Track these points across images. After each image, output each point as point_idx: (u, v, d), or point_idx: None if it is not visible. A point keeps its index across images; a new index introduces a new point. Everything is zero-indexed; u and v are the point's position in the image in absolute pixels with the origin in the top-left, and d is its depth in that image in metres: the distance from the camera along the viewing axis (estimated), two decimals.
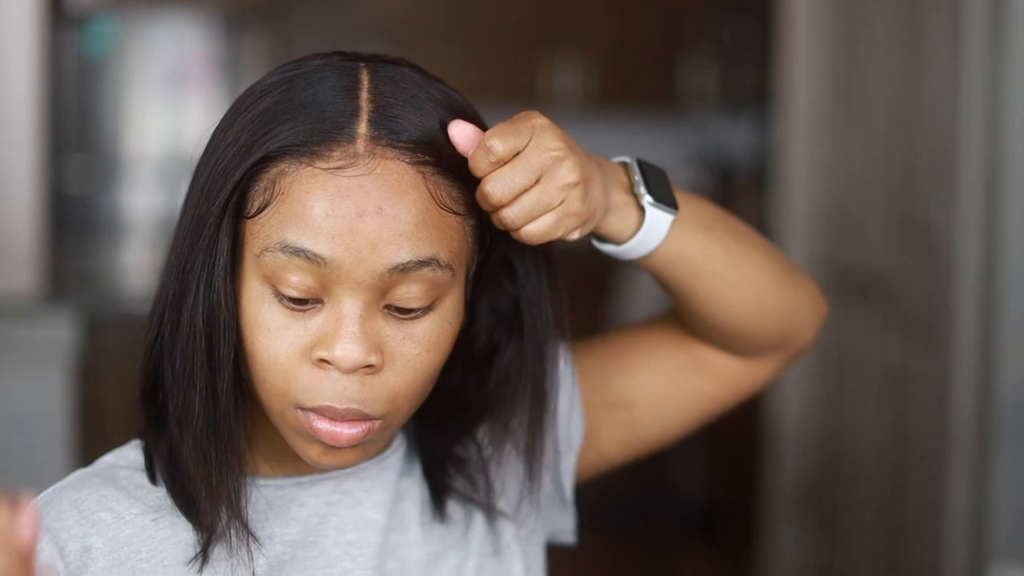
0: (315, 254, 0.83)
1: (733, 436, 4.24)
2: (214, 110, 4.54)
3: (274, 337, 0.86)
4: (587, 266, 4.96)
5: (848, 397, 3.26)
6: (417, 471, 0.99)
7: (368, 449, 0.91)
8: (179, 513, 0.91)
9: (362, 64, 0.89)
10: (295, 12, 4.90)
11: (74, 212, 4.33)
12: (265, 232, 0.85)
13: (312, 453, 0.89)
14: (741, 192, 4.95)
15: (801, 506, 3.49)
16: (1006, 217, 2.53)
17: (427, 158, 0.86)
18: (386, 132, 0.85)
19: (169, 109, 4.56)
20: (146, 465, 0.94)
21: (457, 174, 0.87)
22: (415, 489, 0.98)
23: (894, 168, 3.01)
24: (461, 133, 0.86)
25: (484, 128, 0.90)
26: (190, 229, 0.88)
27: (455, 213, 0.87)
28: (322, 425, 0.86)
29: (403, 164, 0.85)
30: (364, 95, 0.86)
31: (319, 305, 0.86)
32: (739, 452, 4.08)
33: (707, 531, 4.41)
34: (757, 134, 4.76)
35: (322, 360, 0.85)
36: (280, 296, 0.85)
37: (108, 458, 0.97)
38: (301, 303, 0.85)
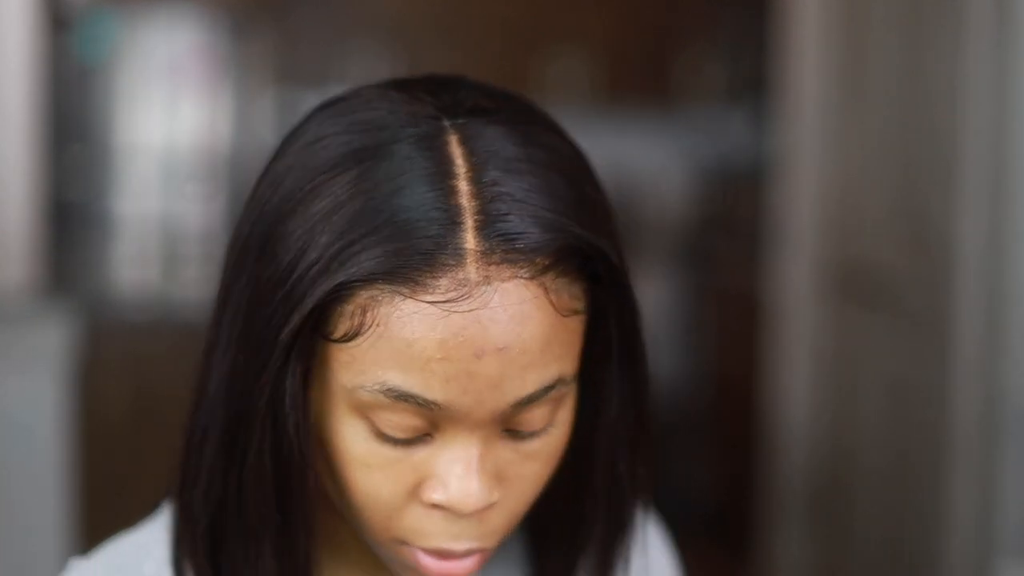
0: (427, 400, 0.70)
1: (734, 436, 4.23)
2: (214, 109, 4.53)
3: (376, 475, 0.73)
4: None
5: (850, 397, 3.25)
6: None
7: (479, 569, 0.79)
8: None
9: (447, 126, 0.72)
10: (295, 11, 4.90)
11: (72, 213, 4.32)
12: (359, 366, 0.70)
13: None
14: (740, 190, 4.94)
15: (803, 506, 3.48)
16: (1010, 216, 2.52)
17: (547, 262, 0.70)
18: (499, 243, 0.69)
19: (168, 109, 4.55)
20: (175, 567, 0.80)
21: (577, 266, 0.73)
22: None
23: (896, 167, 3.01)
24: None
25: (600, 185, 0.76)
26: (245, 345, 0.73)
27: (576, 313, 0.73)
28: (432, 563, 0.75)
29: (523, 282, 0.70)
30: (463, 186, 0.70)
31: (427, 438, 0.73)
32: (740, 452, 4.07)
33: (707, 531, 4.40)
34: (757, 132, 4.76)
35: (436, 504, 0.74)
36: (380, 433, 0.72)
37: (137, 538, 0.84)
38: (407, 441, 0.73)
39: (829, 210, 3.40)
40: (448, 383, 0.70)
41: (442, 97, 0.74)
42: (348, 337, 0.70)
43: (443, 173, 0.70)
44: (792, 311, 3.58)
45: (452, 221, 0.69)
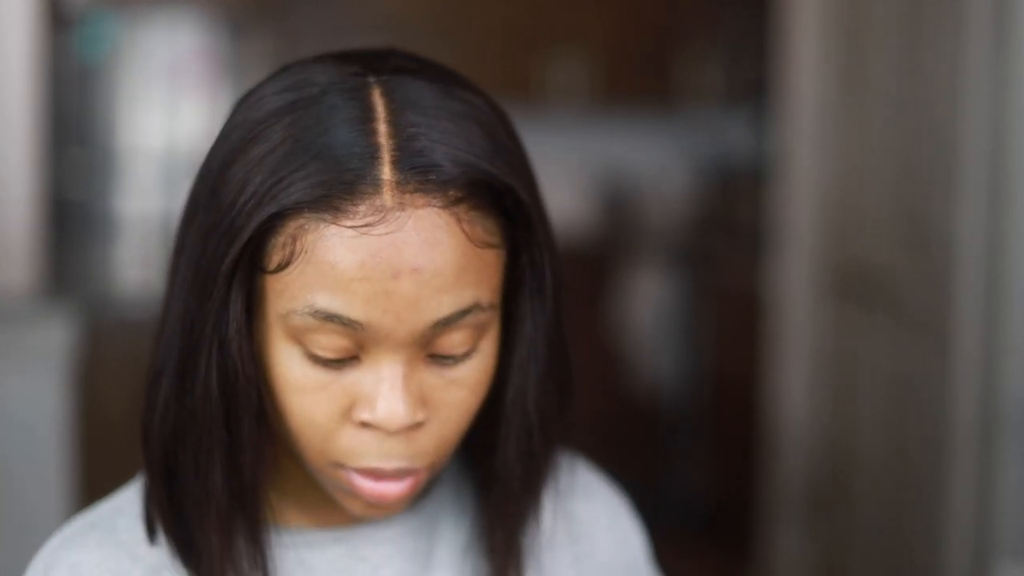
0: (350, 319, 0.77)
1: (734, 436, 4.24)
2: (214, 110, 4.54)
3: (310, 398, 0.79)
4: (587, 266, 4.98)
5: (849, 397, 3.25)
6: (468, 543, 0.92)
7: (413, 496, 0.84)
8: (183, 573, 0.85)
9: (372, 82, 0.80)
10: (295, 11, 4.90)
11: (72, 213, 4.32)
12: (290, 292, 0.78)
13: (356, 508, 0.83)
14: (741, 192, 4.95)
15: (802, 506, 3.49)
16: (1009, 216, 2.52)
17: (459, 195, 0.78)
18: (413, 175, 0.77)
19: (168, 109, 4.55)
20: (146, 524, 0.87)
21: (489, 201, 0.80)
22: (457, 559, 0.91)
23: (895, 167, 3.01)
24: None
25: (516, 136, 0.83)
26: (194, 283, 0.81)
27: (491, 247, 0.80)
28: (366, 484, 0.81)
29: (435, 210, 0.77)
30: (382, 128, 0.78)
31: (355, 361, 0.79)
32: (739, 452, 4.08)
33: (707, 531, 4.41)
34: (756, 132, 4.76)
35: (365, 422, 0.80)
36: (312, 356, 0.79)
37: (113, 502, 0.90)
38: (337, 363, 0.79)
39: (828, 210, 3.41)
40: (368, 303, 0.76)
41: (371, 61, 0.82)
42: (281, 266, 0.78)
43: (365, 117, 0.78)
44: (792, 311, 3.58)
45: (371, 156, 0.77)
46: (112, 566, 0.85)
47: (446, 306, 0.78)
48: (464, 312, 0.78)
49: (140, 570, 0.85)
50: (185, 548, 0.84)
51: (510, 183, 0.80)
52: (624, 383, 4.89)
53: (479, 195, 0.79)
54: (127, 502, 0.89)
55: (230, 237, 0.78)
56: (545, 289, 0.84)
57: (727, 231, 4.83)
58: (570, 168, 5.41)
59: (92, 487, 2.99)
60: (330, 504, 0.87)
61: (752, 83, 4.77)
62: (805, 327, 3.51)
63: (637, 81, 5.28)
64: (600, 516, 1.00)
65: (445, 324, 0.78)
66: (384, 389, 0.79)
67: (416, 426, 0.80)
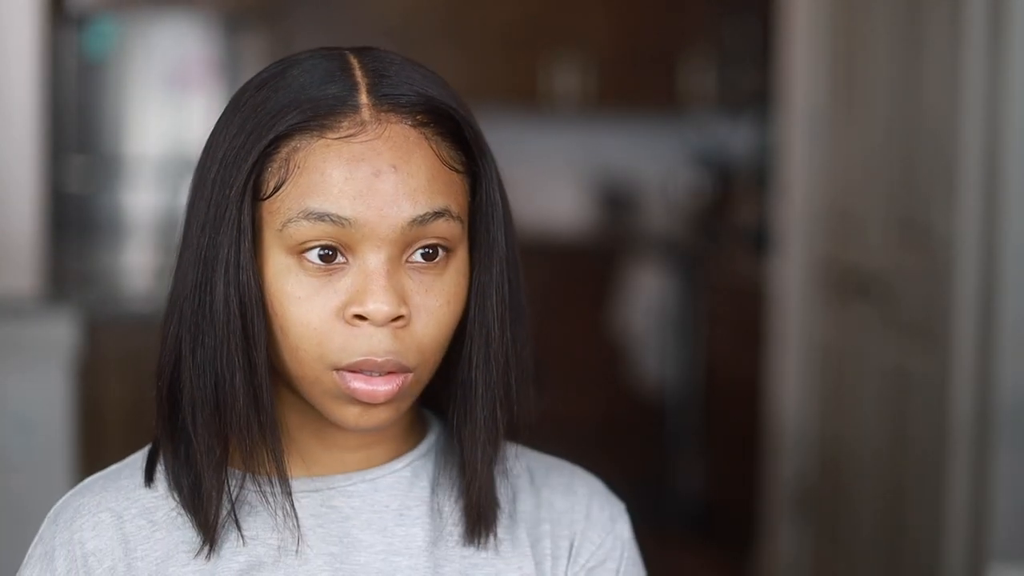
0: (339, 216, 0.89)
1: (733, 436, 4.24)
2: (214, 110, 4.54)
3: (305, 304, 0.90)
4: (587, 266, 4.98)
5: (847, 397, 3.26)
6: (441, 500, 1.00)
7: (400, 407, 0.94)
8: (178, 512, 0.95)
9: (347, 50, 0.96)
10: (295, 12, 4.91)
11: (74, 212, 4.33)
12: (286, 207, 0.90)
13: (349, 416, 0.92)
14: (741, 192, 4.96)
15: (801, 506, 3.49)
16: (1005, 217, 2.53)
17: (426, 119, 0.92)
18: (386, 99, 0.92)
19: (169, 109, 4.56)
20: (146, 465, 0.99)
21: (453, 135, 0.94)
22: (428, 516, 0.99)
23: (894, 168, 3.02)
24: None
25: (467, 109, 0.95)
26: (208, 218, 0.92)
27: (456, 171, 0.93)
28: (359, 384, 0.90)
29: (406, 126, 0.91)
30: (358, 72, 0.93)
31: (344, 266, 0.91)
32: (739, 452, 4.08)
33: (707, 531, 4.41)
34: (757, 134, 4.77)
35: (356, 316, 0.90)
36: (305, 264, 0.90)
37: (121, 463, 1.02)
38: (327, 267, 0.90)
39: (827, 211, 3.41)
40: (354, 200, 0.89)
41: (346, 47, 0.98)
42: (276, 188, 0.91)
43: (344, 66, 0.94)
44: (791, 311, 3.59)
45: (350, 87, 0.92)
46: (110, 504, 0.96)
47: (421, 205, 0.90)
48: (437, 214, 0.91)
49: (136, 509, 0.96)
50: (188, 486, 0.94)
51: (467, 117, 0.94)
52: (624, 383, 4.90)
53: (442, 124, 0.93)
54: (131, 460, 1.01)
55: (235, 169, 0.91)
56: (499, 217, 0.96)
57: (727, 232, 4.84)
58: (573, 170, 5.42)
59: None
60: (311, 454, 0.97)
61: (752, 85, 4.77)
62: (804, 327, 3.52)
63: (639, 84, 5.29)
64: (577, 509, 1.05)
65: (421, 223, 0.91)
66: (370, 283, 0.90)
67: (401, 322, 0.90)
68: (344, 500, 0.98)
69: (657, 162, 5.51)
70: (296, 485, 0.97)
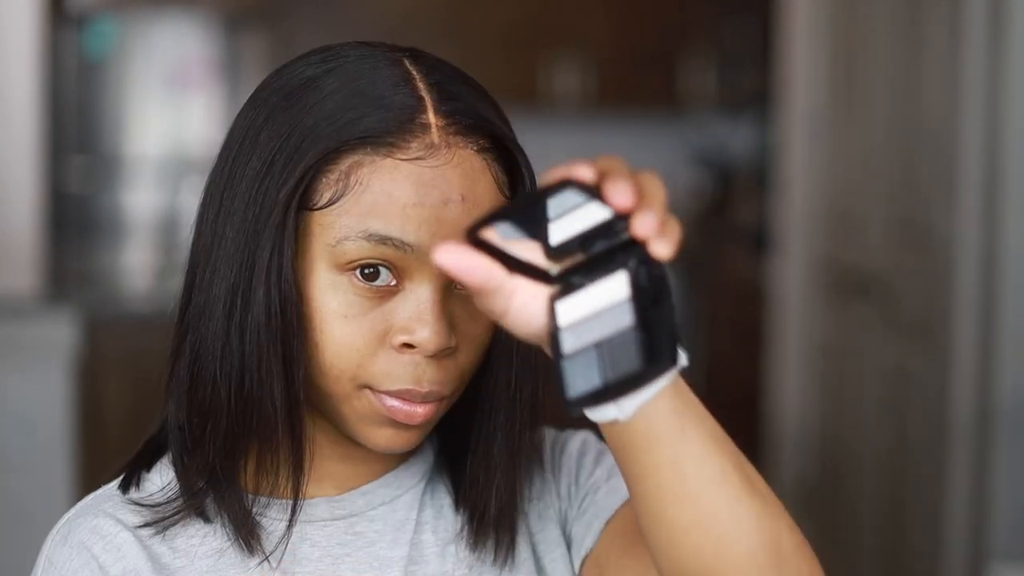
0: (403, 242, 0.85)
1: (733, 436, 4.24)
2: (214, 110, 4.54)
3: (352, 324, 0.86)
4: None
5: (848, 397, 3.26)
6: (443, 502, 0.97)
7: (429, 428, 0.91)
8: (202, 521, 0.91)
9: (401, 54, 0.91)
10: (295, 12, 4.91)
11: (74, 212, 4.33)
12: (342, 223, 0.85)
13: (381, 438, 0.89)
14: (741, 192, 4.96)
15: (801, 506, 3.49)
16: (1005, 217, 2.53)
17: (488, 144, 0.89)
18: (453, 121, 0.87)
19: (169, 109, 4.56)
20: (124, 479, 0.94)
21: (507, 160, 0.90)
22: (435, 520, 0.97)
23: (894, 168, 3.02)
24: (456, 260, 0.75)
25: (509, 123, 0.91)
26: (247, 217, 0.87)
27: (508, 197, 0.90)
28: (396, 404, 0.87)
29: (471, 152, 0.87)
30: (421, 85, 0.88)
31: (395, 289, 0.87)
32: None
33: None
34: (757, 134, 4.77)
35: (404, 345, 0.86)
36: (354, 283, 0.86)
37: (88, 498, 0.97)
38: (377, 288, 0.86)
39: (827, 211, 3.41)
40: (421, 227, 0.85)
41: (387, 45, 0.93)
42: (331, 202, 0.85)
43: (404, 75, 0.88)
44: (791, 310, 3.59)
45: (417, 104, 0.87)
46: (124, 520, 0.92)
47: None
48: None
49: (150, 527, 0.91)
50: (205, 488, 0.90)
51: (519, 144, 0.90)
52: None
53: (499, 148, 0.89)
54: (106, 491, 0.96)
55: (285, 172, 0.86)
56: None
57: (727, 232, 4.84)
58: None
59: (92, 482, 3.00)
60: (327, 471, 0.93)
61: (753, 85, 4.77)
62: (804, 326, 3.52)
63: (639, 84, 5.29)
64: (574, 451, 1.01)
65: None
66: (424, 313, 0.86)
67: (447, 352, 0.87)
68: (367, 525, 0.95)
69: (657, 162, 5.50)
70: (316, 512, 0.93)
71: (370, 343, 0.86)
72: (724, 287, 4.48)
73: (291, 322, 0.86)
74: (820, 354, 3.43)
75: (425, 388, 0.87)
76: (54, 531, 0.94)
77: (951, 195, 2.69)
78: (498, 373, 0.93)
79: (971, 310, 2.62)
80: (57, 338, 2.85)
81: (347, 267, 0.86)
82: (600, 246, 0.74)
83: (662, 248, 0.74)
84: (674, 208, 0.78)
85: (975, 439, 2.61)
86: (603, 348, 0.75)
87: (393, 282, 0.86)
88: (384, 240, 0.85)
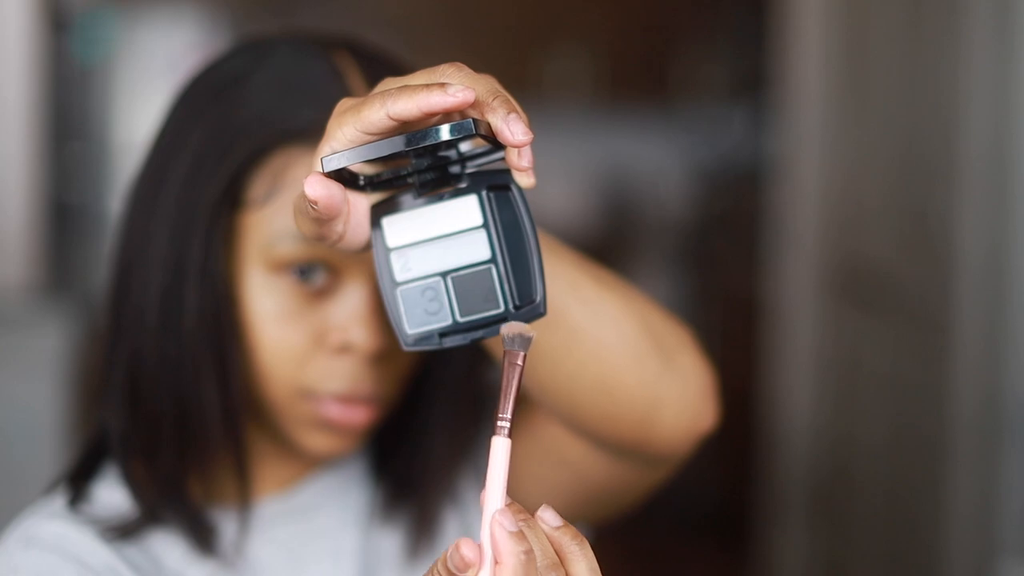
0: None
1: (734, 436, 4.23)
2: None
3: (287, 325, 0.84)
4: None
5: (851, 396, 3.25)
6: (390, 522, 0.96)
7: (363, 435, 0.89)
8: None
9: (335, 48, 0.87)
10: (296, 11, 4.90)
11: (71, 212, 4.32)
12: (275, 222, 0.82)
13: (318, 444, 0.87)
14: (740, 190, 4.95)
15: (803, 506, 3.48)
16: (1011, 215, 2.52)
17: None
18: None
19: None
20: (72, 492, 0.91)
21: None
22: (385, 540, 0.95)
23: (897, 165, 3.01)
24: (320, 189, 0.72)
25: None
26: (176, 219, 0.83)
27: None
28: (335, 408, 0.85)
29: None
30: (355, 81, 0.85)
31: (329, 289, 0.84)
32: (740, 452, 4.07)
33: (707, 531, 4.40)
34: (757, 132, 4.76)
35: (342, 347, 0.84)
36: (287, 283, 0.83)
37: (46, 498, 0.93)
38: (311, 287, 0.83)
39: (829, 209, 3.40)
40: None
41: (310, 36, 0.90)
42: (265, 197, 0.82)
43: (336, 70, 0.84)
44: (792, 310, 3.58)
45: (351, 94, 0.81)
46: (71, 534, 0.88)
47: None
48: None
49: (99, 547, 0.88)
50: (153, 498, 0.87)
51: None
52: None
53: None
54: (46, 505, 0.93)
55: (211, 171, 0.82)
56: None
57: (727, 231, 4.83)
58: (570, 167, 5.41)
59: None
60: (273, 469, 0.91)
61: (753, 82, 4.76)
62: (806, 327, 3.51)
63: (637, 80, 5.28)
64: None
65: None
66: (361, 313, 0.84)
67: (384, 356, 0.85)
68: (323, 519, 0.94)
69: (657, 159, 5.50)
70: (268, 509, 0.91)
71: (307, 345, 0.84)
72: (724, 287, 4.47)
73: (224, 326, 0.83)
74: (822, 353, 3.42)
75: (363, 390, 0.85)
76: (4, 545, 0.89)
77: (956, 194, 2.67)
78: (438, 374, 0.91)
79: (977, 310, 2.61)
80: (52, 339, 2.84)
81: (281, 267, 0.83)
82: (454, 168, 0.69)
83: (527, 180, 0.71)
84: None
85: (981, 440, 2.60)
86: (451, 281, 0.69)
87: (329, 282, 0.84)
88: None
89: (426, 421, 0.92)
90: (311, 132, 0.81)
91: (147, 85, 4.54)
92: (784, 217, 3.66)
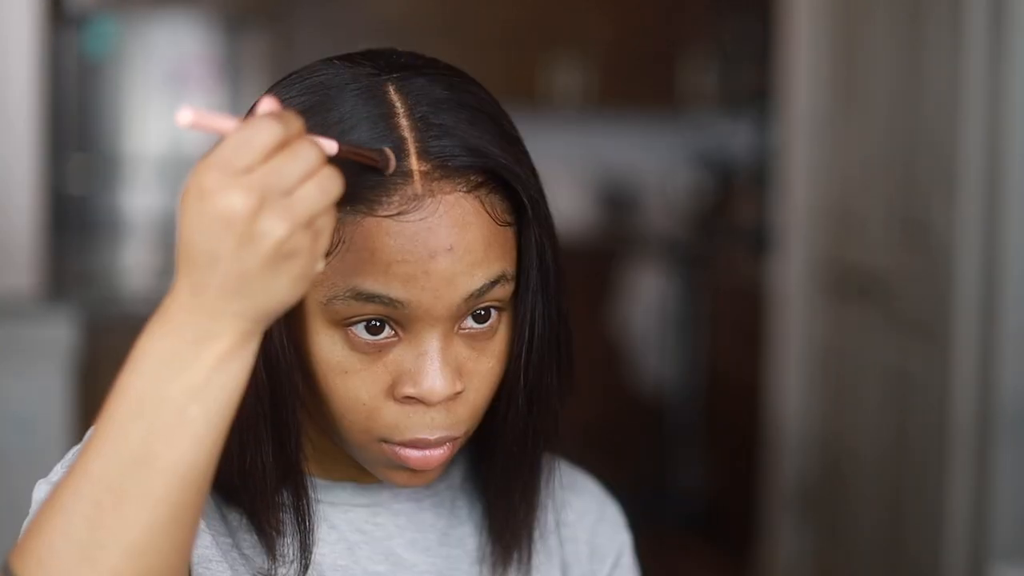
0: (391, 299, 0.82)
1: (733, 436, 4.24)
2: (214, 110, 4.54)
3: (353, 379, 0.84)
4: (587, 266, 4.98)
5: (848, 397, 3.26)
6: (478, 522, 0.98)
7: (443, 468, 0.90)
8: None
9: (385, 79, 0.85)
10: (295, 12, 4.91)
11: (74, 212, 4.33)
12: (330, 281, 0.82)
13: (399, 479, 0.88)
14: (741, 192, 4.96)
15: (801, 506, 3.49)
16: (1006, 216, 2.53)
17: (480, 179, 0.84)
18: (438, 164, 0.82)
19: (169, 109, 4.55)
20: None
21: (503, 183, 0.85)
22: (471, 539, 0.97)
23: (894, 168, 3.02)
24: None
25: (512, 122, 0.89)
26: None
27: (508, 224, 0.86)
28: (412, 454, 0.86)
29: (461, 194, 0.83)
30: (403, 122, 0.83)
31: (395, 341, 0.84)
32: (739, 452, 4.08)
33: (707, 531, 4.41)
34: (757, 134, 4.77)
35: (408, 397, 0.84)
36: (353, 338, 0.83)
37: None
38: (377, 341, 0.84)
39: (827, 211, 3.41)
40: (408, 283, 0.82)
41: (377, 61, 0.87)
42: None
43: (385, 114, 0.83)
44: (791, 310, 3.59)
45: (398, 149, 0.82)
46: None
47: (478, 279, 0.83)
48: (493, 283, 0.84)
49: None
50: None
51: (518, 171, 0.86)
52: (624, 383, 4.90)
53: (495, 179, 0.85)
54: None
55: None
56: (547, 266, 0.90)
57: (727, 231, 4.84)
58: (572, 169, 5.42)
59: None
60: (348, 466, 0.93)
61: (752, 85, 4.77)
62: (804, 327, 3.52)
63: (638, 83, 5.29)
64: (590, 508, 1.05)
65: (478, 296, 0.84)
66: (425, 364, 0.84)
67: (454, 396, 0.85)
68: (390, 518, 0.95)
69: (657, 162, 5.51)
70: (342, 495, 0.94)
71: (375, 397, 0.85)
72: (724, 287, 4.48)
73: (281, 388, 0.84)
74: (820, 354, 3.43)
75: (436, 435, 0.85)
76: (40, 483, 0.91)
77: (952, 195, 2.69)
78: (512, 395, 0.91)
79: (972, 310, 2.62)
80: (56, 338, 2.85)
81: (343, 323, 0.83)
82: None
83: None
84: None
85: (976, 439, 2.61)
86: None
87: (395, 334, 0.84)
88: (371, 298, 0.82)
89: (501, 449, 0.94)
90: (357, 192, 0.80)
91: (150, 88, 4.55)
92: (782, 219, 3.67)
